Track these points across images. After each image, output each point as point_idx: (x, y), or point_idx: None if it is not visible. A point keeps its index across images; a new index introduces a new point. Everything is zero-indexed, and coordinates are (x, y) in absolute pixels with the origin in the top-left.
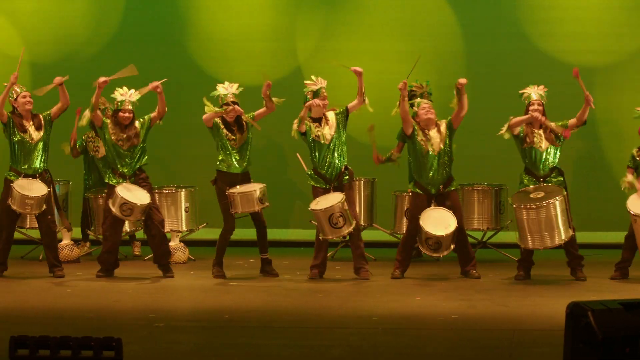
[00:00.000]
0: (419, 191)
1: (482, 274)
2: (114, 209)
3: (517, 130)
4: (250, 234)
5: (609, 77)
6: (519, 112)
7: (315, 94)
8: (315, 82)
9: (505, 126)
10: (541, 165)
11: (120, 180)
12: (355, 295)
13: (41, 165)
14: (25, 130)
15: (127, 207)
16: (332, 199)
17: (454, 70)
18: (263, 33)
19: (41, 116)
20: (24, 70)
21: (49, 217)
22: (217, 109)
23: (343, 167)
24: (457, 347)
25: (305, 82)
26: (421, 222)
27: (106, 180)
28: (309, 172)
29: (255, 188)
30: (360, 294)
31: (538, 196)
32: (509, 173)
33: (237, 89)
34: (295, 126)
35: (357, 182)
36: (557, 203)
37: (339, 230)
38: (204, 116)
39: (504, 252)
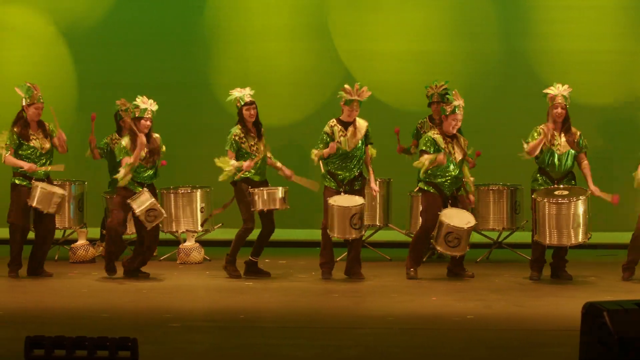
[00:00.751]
0: (433, 190)
1: (498, 274)
2: (139, 211)
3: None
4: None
5: (627, 77)
6: (535, 113)
7: (347, 102)
8: (351, 93)
9: (525, 154)
10: (558, 168)
11: (139, 188)
12: (370, 295)
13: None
14: (29, 138)
15: (154, 214)
16: (354, 200)
17: (466, 70)
18: (277, 33)
19: (47, 125)
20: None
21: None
22: (233, 167)
23: (357, 173)
24: (472, 347)
25: (346, 86)
26: (443, 218)
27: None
28: (324, 173)
29: (279, 188)
30: (375, 294)
31: (563, 193)
32: (524, 173)
33: (250, 90)
34: (316, 160)
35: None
36: (580, 203)
37: (351, 232)
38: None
39: (519, 252)
